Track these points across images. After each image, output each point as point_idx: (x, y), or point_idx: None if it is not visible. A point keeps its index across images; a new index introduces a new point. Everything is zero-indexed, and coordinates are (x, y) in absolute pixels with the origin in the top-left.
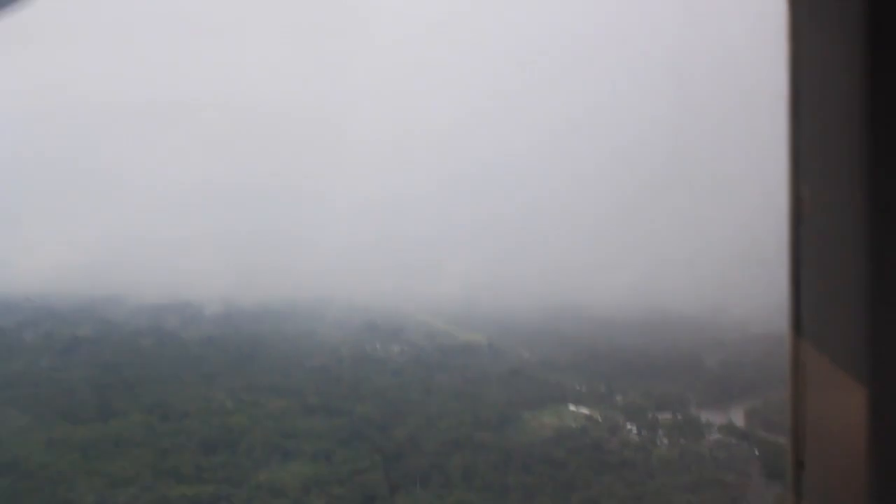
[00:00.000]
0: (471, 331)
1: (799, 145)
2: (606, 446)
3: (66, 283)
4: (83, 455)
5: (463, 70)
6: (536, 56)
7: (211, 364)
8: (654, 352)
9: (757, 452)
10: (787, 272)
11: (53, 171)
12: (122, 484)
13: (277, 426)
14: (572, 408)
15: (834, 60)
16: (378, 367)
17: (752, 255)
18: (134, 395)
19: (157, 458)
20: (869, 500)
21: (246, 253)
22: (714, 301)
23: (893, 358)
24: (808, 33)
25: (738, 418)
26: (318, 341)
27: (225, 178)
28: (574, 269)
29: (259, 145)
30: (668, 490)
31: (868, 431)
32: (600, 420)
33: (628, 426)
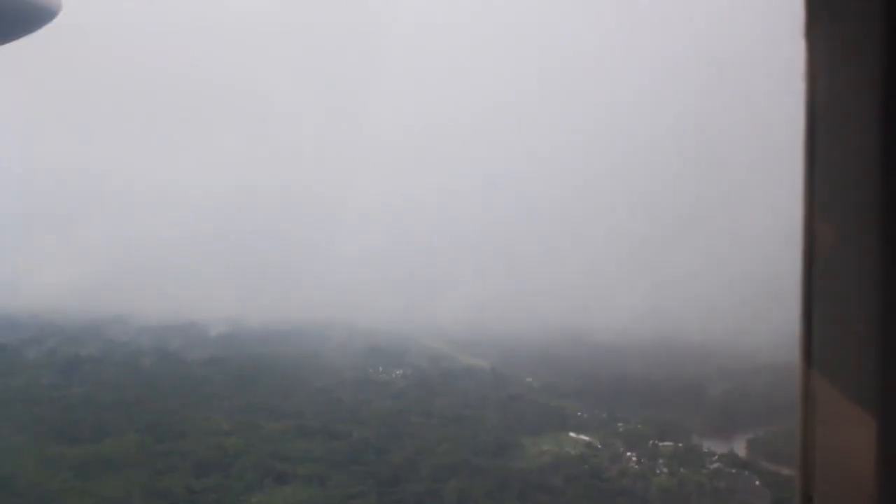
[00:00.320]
0: (474, 355)
1: (814, 180)
2: (605, 474)
3: (72, 301)
4: (76, 475)
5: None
6: (551, 85)
7: (212, 385)
8: (658, 379)
9: (757, 483)
10: (799, 305)
11: (62, 191)
12: None
13: (273, 448)
14: (572, 434)
15: (851, 98)
16: (379, 391)
17: (760, 287)
18: (131, 414)
19: (149, 479)
20: None
21: (253, 275)
22: (720, 331)
23: None
24: (826, 72)
25: (739, 448)
26: (321, 364)
27: (233, 198)
28: (581, 296)
29: (267, 164)
30: None
31: (878, 465)
32: (600, 447)
33: (628, 454)
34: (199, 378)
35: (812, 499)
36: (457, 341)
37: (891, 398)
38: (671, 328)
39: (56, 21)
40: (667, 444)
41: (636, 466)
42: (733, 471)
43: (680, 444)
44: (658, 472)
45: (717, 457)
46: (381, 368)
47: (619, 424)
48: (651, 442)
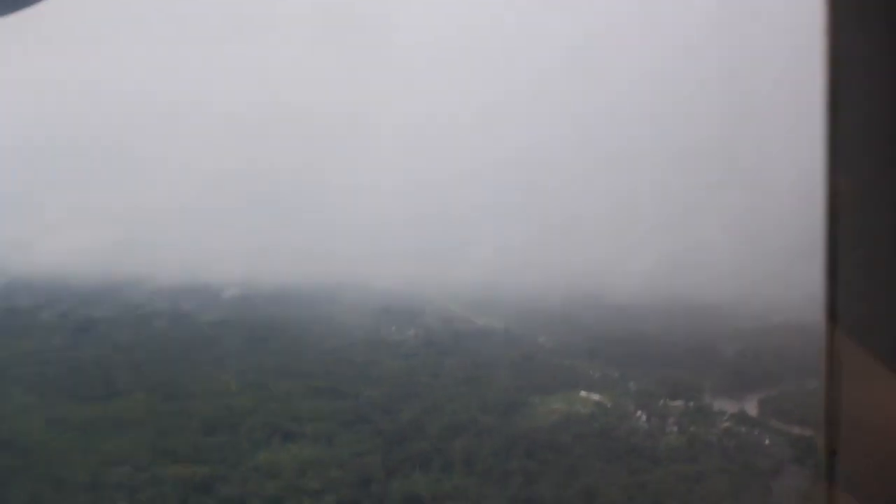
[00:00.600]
0: (488, 316)
1: (836, 137)
2: (614, 433)
3: (86, 264)
4: (82, 434)
5: (493, 54)
6: (572, 40)
7: (223, 346)
8: (672, 340)
9: (767, 442)
10: (822, 263)
11: (75, 152)
12: (117, 463)
13: (281, 408)
14: (583, 394)
15: (872, 54)
16: (391, 351)
17: (775, 245)
18: (140, 375)
19: (155, 438)
20: None
21: (266, 236)
22: (734, 291)
23: None
24: (846, 26)
25: (751, 408)
26: (334, 324)
27: (247, 160)
28: (595, 257)
29: (282, 129)
30: (672, 479)
31: None
32: (610, 406)
33: (638, 413)
34: (210, 339)
35: (836, 454)
36: (471, 302)
37: None
38: (686, 289)
39: None
40: (678, 403)
41: (646, 425)
42: (743, 430)
43: (691, 404)
44: (667, 430)
45: (727, 416)
46: (393, 329)
47: (631, 384)
48: (662, 401)
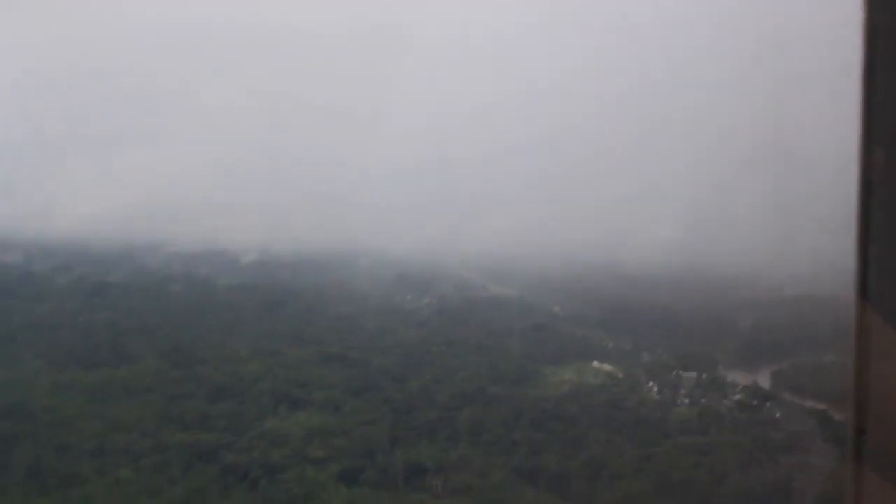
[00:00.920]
0: (503, 285)
1: (871, 112)
2: (623, 404)
3: (105, 229)
4: (90, 399)
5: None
6: (605, 19)
7: (237, 312)
8: (687, 311)
9: (779, 415)
10: (854, 238)
11: (95, 120)
12: (123, 429)
13: (291, 375)
14: (595, 364)
15: None
16: (404, 319)
17: (796, 219)
18: (152, 340)
19: (164, 404)
20: None
21: (286, 204)
22: (749, 263)
23: None
24: (884, 2)
25: (764, 380)
26: (349, 292)
27: (270, 130)
28: (612, 227)
29: (305, 101)
30: (679, 452)
31: None
32: (621, 377)
33: (650, 384)
34: (224, 305)
35: (865, 431)
36: (486, 271)
37: None
38: (701, 260)
39: None
40: (690, 374)
41: (657, 396)
42: (755, 402)
43: (703, 375)
44: (678, 402)
45: (740, 388)
46: (408, 297)
47: (644, 354)
48: (674, 372)
